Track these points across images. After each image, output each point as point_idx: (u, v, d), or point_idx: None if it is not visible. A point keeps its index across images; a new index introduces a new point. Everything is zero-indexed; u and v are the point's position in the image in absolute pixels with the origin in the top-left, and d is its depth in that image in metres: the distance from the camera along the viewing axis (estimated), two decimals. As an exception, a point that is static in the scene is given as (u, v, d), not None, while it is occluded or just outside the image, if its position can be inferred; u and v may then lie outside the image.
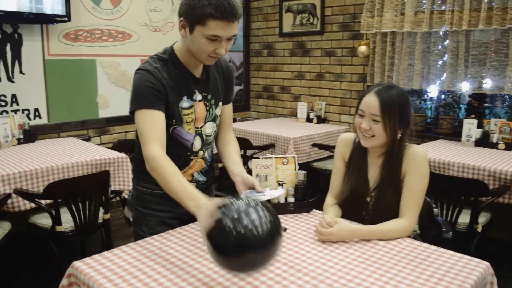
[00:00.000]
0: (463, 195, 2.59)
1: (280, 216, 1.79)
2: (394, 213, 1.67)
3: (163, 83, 1.59)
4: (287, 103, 5.08)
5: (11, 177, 2.53)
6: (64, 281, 1.40)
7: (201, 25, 1.49)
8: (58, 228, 2.53)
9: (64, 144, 3.40)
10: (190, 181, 1.79)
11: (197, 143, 1.74)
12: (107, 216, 2.77)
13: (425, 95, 4.19)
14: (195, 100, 1.71)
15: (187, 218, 1.80)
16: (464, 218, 2.67)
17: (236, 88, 5.32)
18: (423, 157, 1.67)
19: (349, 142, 1.84)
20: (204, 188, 1.86)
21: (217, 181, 4.43)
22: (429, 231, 2.00)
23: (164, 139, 1.57)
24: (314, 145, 3.90)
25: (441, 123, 3.87)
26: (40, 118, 3.71)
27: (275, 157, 1.89)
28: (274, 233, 1.15)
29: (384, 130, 1.64)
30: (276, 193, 1.63)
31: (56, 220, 2.51)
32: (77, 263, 1.39)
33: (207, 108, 1.76)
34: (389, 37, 3.90)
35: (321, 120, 4.56)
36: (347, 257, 1.44)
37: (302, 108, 4.67)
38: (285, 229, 1.65)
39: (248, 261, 1.14)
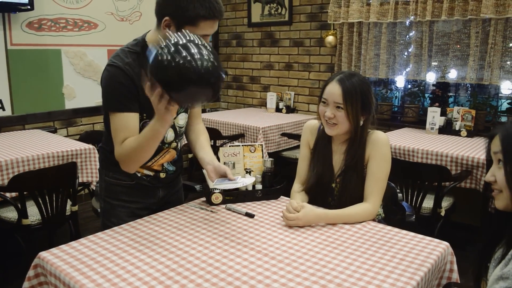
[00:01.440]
0: (427, 180, 2.68)
1: (248, 203, 1.83)
2: (358, 198, 1.71)
3: (135, 82, 1.56)
4: (257, 93, 5.10)
5: (-26, 170, 2.47)
6: (31, 272, 1.39)
7: (192, 25, 1.48)
8: (24, 221, 2.48)
9: (29, 136, 3.33)
10: (160, 171, 1.79)
11: (170, 135, 1.73)
12: (75, 208, 2.73)
13: (391, 85, 4.28)
14: None
15: (157, 208, 1.81)
16: (428, 202, 2.77)
17: (206, 79, 5.28)
18: (385, 142, 1.72)
19: (314, 129, 1.88)
20: (173, 177, 1.86)
21: (187, 172, 4.42)
22: (394, 215, 2.06)
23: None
24: (283, 134, 3.94)
25: (407, 111, 3.97)
26: (3, 110, 3.60)
27: (242, 145, 1.91)
28: (215, 69, 1.25)
29: (347, 117, 1.68)
30: (247, 181, 1.65)
31: (22, 213, 2.46)
32: (43, 254, 1.37)
33: None
34: (355, 27, 3.96)
35: (290, 110, 4.60)
36: (313, 241, 1.48)
37: (271, 98, 4.69)
38: (252, 216, 1.68)
39: (189, 95, 1.26)
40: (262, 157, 1.94)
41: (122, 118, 1.54)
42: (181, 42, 1.24)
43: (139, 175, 1.74)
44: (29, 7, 3.44)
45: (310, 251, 1.40)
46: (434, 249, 1.42)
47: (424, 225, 2.68)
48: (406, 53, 3.83)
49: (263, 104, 4.98)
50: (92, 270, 1.27)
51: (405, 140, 3.21)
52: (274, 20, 4.73)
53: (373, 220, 1.71)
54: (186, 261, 1.32)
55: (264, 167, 1.91)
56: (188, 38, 1.27)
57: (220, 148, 1.89)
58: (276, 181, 1.93)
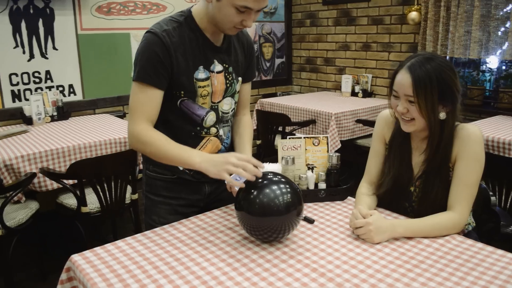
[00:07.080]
0: (527, 179, 2.26)
1: (309, 204, 1.60)
2: (442, 205, 1.41)
3: (170, 52, 1.42)
4: (331, 76, 4.78)
5: (37, 156, 2.46)
6: (63, 276, 1.27)
7: None
8: (83, 209, 2.43)
9: (96, 121, 3.32)
10: None
11: (210, 119, 1.55)
12: (135, 196, 2.66)
13: (483, 66, 3.77)
14: (212, 71, 1.51)
15: (204, 205, 1.64)
16: (527, 205, 2.35)
17: (278, 61, 5.07)
18: (478, 138, 1.39)
19: (390, 121, 1.58)
20: None
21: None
22: (485, 223, 1.73)
23: (155, 117, 1.46)
24: (359, 121, 3.63)
25: (501, 97, 3.47)
26: (75, 94, 3.64)
27: (304, 137, 1.67)
28: (293, 205, 1.25)
29: (420, 113, 1.38)
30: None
31: (81, 201, 2.42)
32: (75, 257, 1.25)
33: (228, 81, 1.56)
34: (443, 1, 3.50)
35: (367, 94, 4.25)
36: (382, 258, 1.21)
37: (346, 81, 4.36)
38: (312, 221, 1.44)
39: (268, 226, 1.24)
40: (327, 151, 1.69)
41: (145, 91, 1.42)
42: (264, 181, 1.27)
43: (181, 168, 1.56)
44: (97, -10, 3.41)
45: (378, 272, 1.14)
46: (542, 279, 1.10)
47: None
48: (502, 30, 3.32)
49: (337, 87, 4.67)
50: (121, 281, 1.11)
51: (500, 130, 2.77)
52: (350, -4, 4.37)
53: (461, 232, 1.40)
54: (226, 277, 1.13)
55: (329, 163, 1.66)
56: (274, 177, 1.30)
57: (279, 140, 1.67)
58: (343, 179, 1.68)
